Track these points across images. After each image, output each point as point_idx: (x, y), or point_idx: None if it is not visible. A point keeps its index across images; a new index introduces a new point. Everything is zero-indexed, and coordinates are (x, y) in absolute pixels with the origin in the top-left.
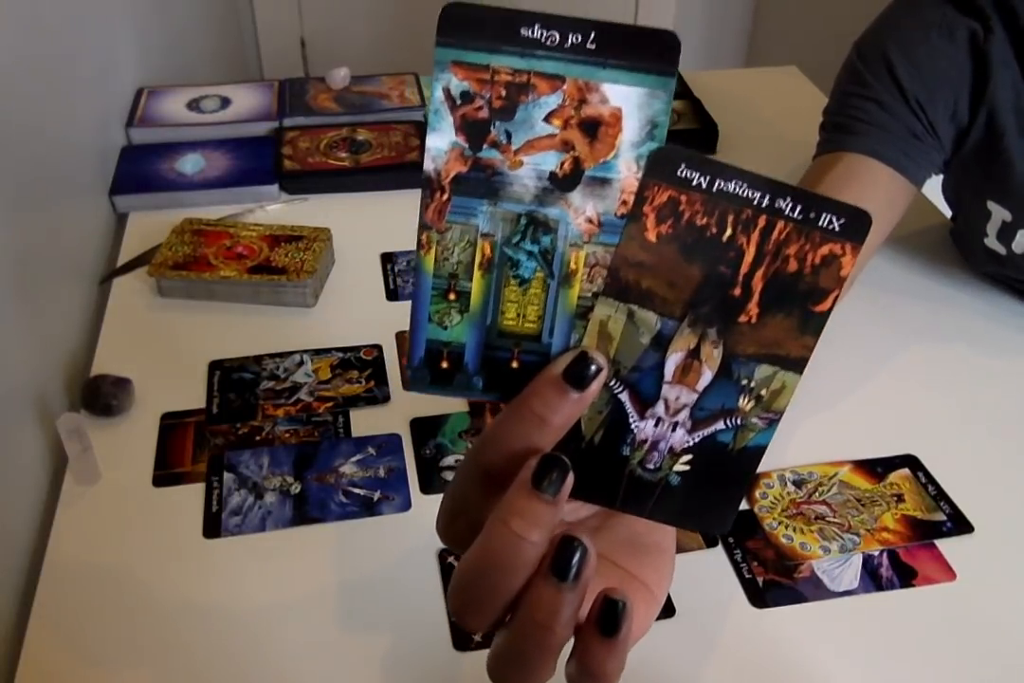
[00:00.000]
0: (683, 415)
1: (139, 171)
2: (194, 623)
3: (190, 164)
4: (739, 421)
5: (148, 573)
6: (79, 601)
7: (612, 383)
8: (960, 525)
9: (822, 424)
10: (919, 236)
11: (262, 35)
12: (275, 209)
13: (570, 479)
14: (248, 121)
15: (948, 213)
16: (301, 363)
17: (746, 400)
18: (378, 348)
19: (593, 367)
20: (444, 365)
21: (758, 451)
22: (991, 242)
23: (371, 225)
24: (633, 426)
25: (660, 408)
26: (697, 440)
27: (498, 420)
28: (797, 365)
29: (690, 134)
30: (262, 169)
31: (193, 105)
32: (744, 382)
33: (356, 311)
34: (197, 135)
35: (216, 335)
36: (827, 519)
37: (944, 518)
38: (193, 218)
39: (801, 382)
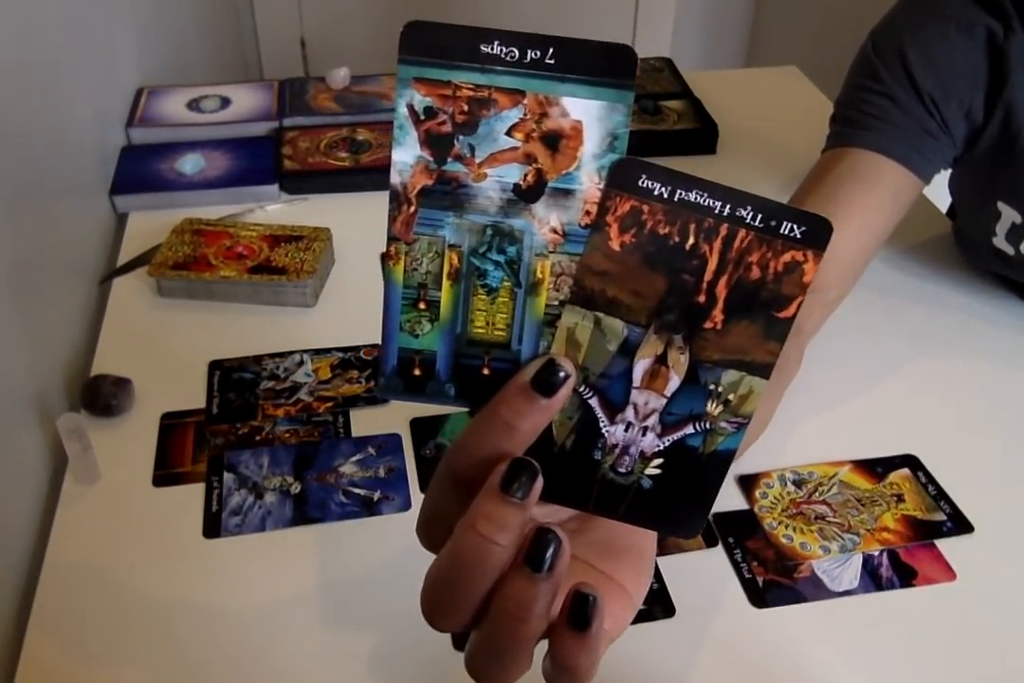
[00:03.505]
0: (652, 420)
1: (139, 171)
2: (194, 623)
3: (190, 164)
4: (708, 425)
5: (148, 573)
6: (79, 601)
7: (581, 389)
8: (960, 525)
9: (822, 424)
10: (920, 238)
11: (262, 35)
12: (275, 209)
13: (539, 483)
14: (248, 121)
15: (947, 212)
16: (301, 363)
17: (714, 405)
18: (378, 348)
19: (561, 374)
20: (416, 373)
21: (728, 455)
22: (999, 242)
23: (371, 225)
24: (604, 431)
25: (630, 413)
26: (667, 444)
27: (469, 427)
28: (763, 370)
29: (690, 134)
30: (262, 169)
31: (193, 105)
32: (712, 387)
33: (356, 311)
34: (197, 135)
35: (216, 335)
36: (827, 519)
37: (944, 518)
38: (193, 218)
39: (802, 382)
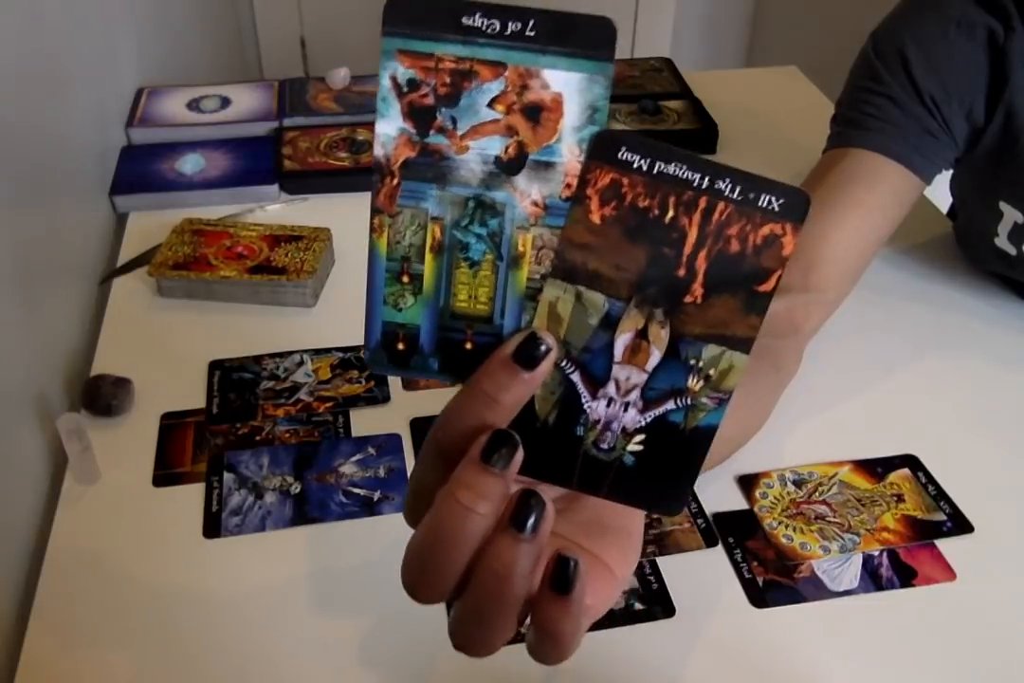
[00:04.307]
0: (634, 395)
1: (139, 171)
2: (194, 623)
3: (190, 164)
4: (689, 401)
5: (148, 573)
6: (79, 601)
7: (563, 364)
8: (960, 525)
9: (822, 424)
10: (920, 238)
11: (262, 35)
12: (275, 209)
13: (519, 454)
14: (248, 121)
15: (948, 212)
16: (301, 363)
17: (695, 380)
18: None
19: (543, 347)
20: (400, 346)
21: (709, 431)
22: (1001, 242)
23: None
24: (586, 406)
25: (611, 388)
26: (649, 420)
27: (452, 401)
28: (744, 345)
29: (690, 134)
30: (262, 169)
31: (193, 105)
32: (692, 362)
33: (356, 311)
34: (197, 135)
35: (216, 335)
36: (827, 519)
37: (944, 518)
38: (193, 218)
39: (802, 382)
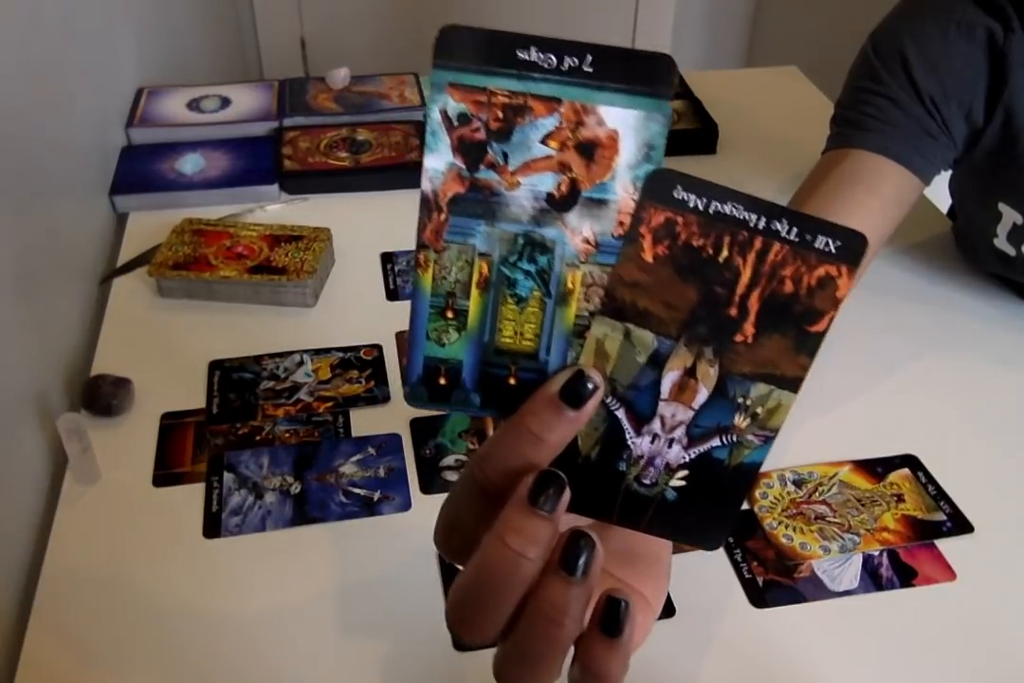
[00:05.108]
0: (679, 432)
1: (139, 171)
2: (193, 623)
3: (190, 164)
4: (735, 438)
5: (148, 573)
6: (79, 601)
7: (609, 400)
8: (960, 525)
9: (822, 424)
10: (920, 238)
11: (262, 35)
12: (275, 209)
13: (567, 495)
14: (248, 121)
15: (947, 212)
16: (301, 363)
17: (742, 418)
18: (378, 348)
19: (590, 385)
20: (442, 381)
21: (753, 468)
22: (1000, 243)
23: (371, 225)
24: (629, 442)
25: (656, 425)
26: (693, 456)
27: (494, 438)
28: (792, 384)
29: (690, 134)
30: (262, 169)
31: (193, 105)
32: (740, 400)
33: (356, 311)
34: (197, 135)
35: (216, 335)
36: (827, 519)
37: (944, 518)
38: (193, 218)
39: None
